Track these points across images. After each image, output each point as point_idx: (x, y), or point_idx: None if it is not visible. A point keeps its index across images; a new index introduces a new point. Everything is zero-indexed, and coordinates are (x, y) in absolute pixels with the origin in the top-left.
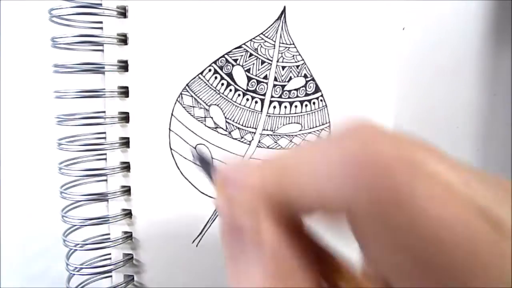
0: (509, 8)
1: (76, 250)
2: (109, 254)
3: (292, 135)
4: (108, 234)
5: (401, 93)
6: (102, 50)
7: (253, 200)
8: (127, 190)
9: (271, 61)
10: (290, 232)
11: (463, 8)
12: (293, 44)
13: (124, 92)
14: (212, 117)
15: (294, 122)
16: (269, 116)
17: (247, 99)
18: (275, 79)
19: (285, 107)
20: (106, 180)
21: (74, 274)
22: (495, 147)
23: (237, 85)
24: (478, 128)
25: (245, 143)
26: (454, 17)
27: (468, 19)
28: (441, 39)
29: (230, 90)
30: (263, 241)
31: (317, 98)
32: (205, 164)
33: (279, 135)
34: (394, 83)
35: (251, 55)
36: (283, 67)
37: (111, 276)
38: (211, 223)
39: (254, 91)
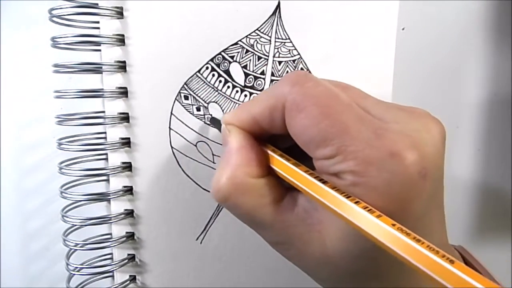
0: (509, 8)
1: (76, 250)
2: (110, 254)
3: None
4: (109, 234)
5: (400, 93)
6: (101, 50)
7: (227, 125)
8: (129, 190)
9: (268, 56)
10: (252, 140)
11: (463, 8)
12: (289, 39)
13: (123, 92)
14: (211, 114)
15: None
16: None
17: (245, 95)
18: (272, 74)
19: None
20: (107, 180)
21: (74, 274)
22: (495, 147)
23: (235, 81)
24: (478, 128)
25: None
26: (454, 17)
27: (468, 19)
28: (441, 39)
29: (228, 86)
30: (227, 142)
31: None
32: (216, 121)
33: None
34: (392, 82)
35: (247, 51)
36: (280, 62)
37: (111, 276)
38: (215, 219)
39: (252, 87)
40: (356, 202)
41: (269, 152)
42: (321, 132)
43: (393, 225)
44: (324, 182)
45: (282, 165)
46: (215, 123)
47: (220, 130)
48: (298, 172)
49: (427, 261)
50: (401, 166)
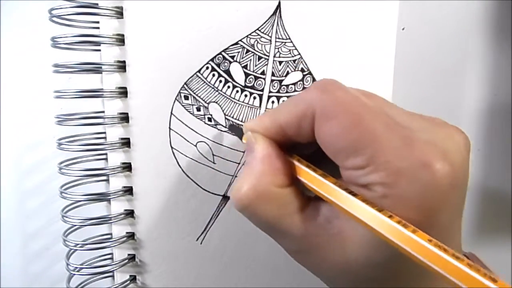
0: (509, 8)
1: (76, 250)
2: (110, 254)
3: None
4: (109, 234)
5: (400, 93)
6: (100, 50)
7: (253, 132)
8: (128, 190)
9: (268, 56)
10: (277, 149)
11: (463, 8)
12: (289, 39)
13: (123, 92)
14: (211, 114)
15: None
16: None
17: (246, 95)
18: (273, 74)
19: (284, 101)
20: (107, 180)
21: (74, 274)
22: (495, 147)
23: (235, 81)
24: (478, 129)
25: None
26: (454, 17)
27: (468, 19)
28: (441, 39)
29: (228, 86)
30: (254, 149)
31: None
32: (235, 128)
33: None
34: (392, 83)
35: (247, 51)
36: (280, 62)
37: (111, 276)
38: (215, 219)
39: (252, 87)
40: (389, 216)
41: (295, 162)
42: (352, 142)
43: (430, 240)
44: (354, 194)
45: (310, 176)
46: (234, 130)
47: (239, 137)
48: (327, 184)
49: (471, 281)
50: (433, 177)
